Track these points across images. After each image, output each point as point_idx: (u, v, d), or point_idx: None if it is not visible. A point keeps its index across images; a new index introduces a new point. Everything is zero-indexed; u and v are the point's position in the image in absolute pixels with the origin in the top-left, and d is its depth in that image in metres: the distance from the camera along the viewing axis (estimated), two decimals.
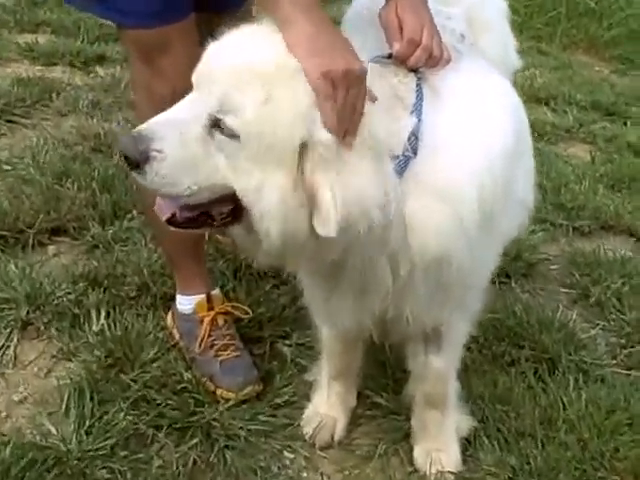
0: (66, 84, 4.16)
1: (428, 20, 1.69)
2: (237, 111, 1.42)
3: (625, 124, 4.97)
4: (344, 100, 1.43)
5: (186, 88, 1.99)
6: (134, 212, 2.97)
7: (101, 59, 4.56)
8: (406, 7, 1.68)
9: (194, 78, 1.53)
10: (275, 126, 1.42)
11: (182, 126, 1.47)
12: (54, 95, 3.96)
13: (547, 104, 5.09)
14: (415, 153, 1.52)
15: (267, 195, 1.43)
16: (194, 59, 2.05)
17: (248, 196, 1.45)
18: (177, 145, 1.46)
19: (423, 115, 1.55)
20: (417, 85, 1.60)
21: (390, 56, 1.64)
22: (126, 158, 1.47)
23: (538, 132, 4.35)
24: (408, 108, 1.56)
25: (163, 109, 2.03)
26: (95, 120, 3.75)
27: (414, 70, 1.63)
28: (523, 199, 1.89)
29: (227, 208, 1.52)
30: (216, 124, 1.45)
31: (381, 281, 1.65)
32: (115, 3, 1.95)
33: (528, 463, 2.06)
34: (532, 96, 5.07)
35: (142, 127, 1.49)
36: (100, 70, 4.44)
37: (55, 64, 4.42)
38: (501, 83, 1.82)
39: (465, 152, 1.57)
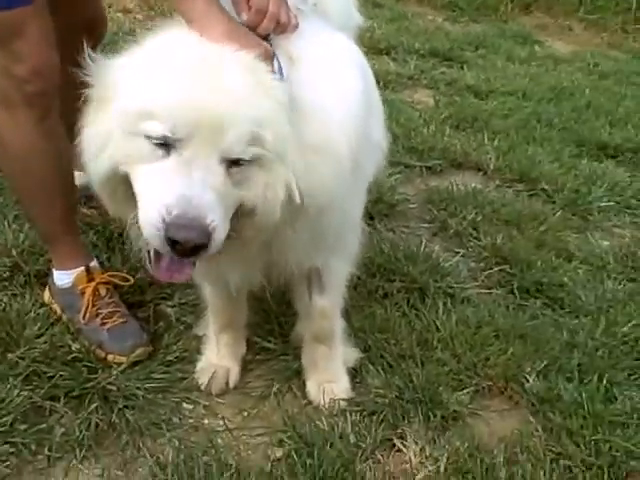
0: None
1: None
2: (257, 141, 1.47)
3: (462, 68, 5.27)
4: None
5: (44, 66, 1.99)
6: None
7: None
8: None
9: (175, 129, 1.44)
10: (281, 131, 1.50)
11: (211, 185, 1.44)
12: None
13: (388, 54, 5.30)
14: None
15: (277, 191, 1.53)
16: (49, 38, 2.04)
17: (258, 202, 1.53)
18: (219, 204, 1.45)
19: (285, 80, 1.63)
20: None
21: None
22: (195, 248, 1.44)
23: (383, 81, 4.54)
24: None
25: (23, 89, 2.02)
26: None
27: (264, 38, 1.69)
28: (379, 143, 2.05)
29: None
30: (232, 164, 1.47)
31: (281, 236, 1.73)
32: None
33: (411, 381, 2.22)
34: (373, 47, 5.26)
35: (179, 210, 1.41)
36: None
37: None
38: (344, 41, 1.93)
39: (329, 110, 1.67)
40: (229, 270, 1.88)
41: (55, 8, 2.06)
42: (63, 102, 2.16)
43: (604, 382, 2.30)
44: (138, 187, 1.50)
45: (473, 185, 3.53)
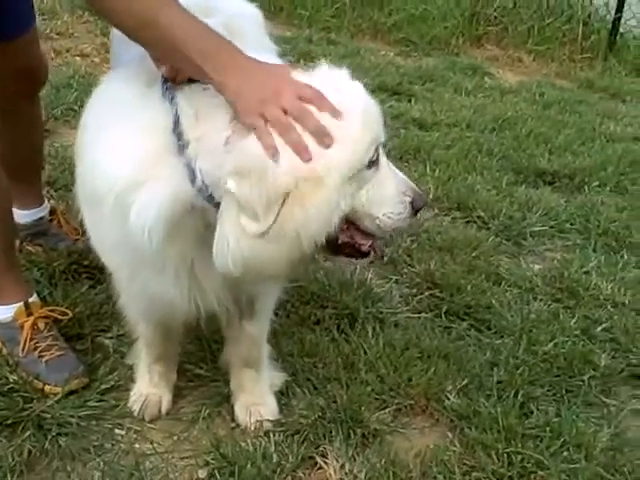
0: None
1: None
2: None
3: (410, 101, 5.43)
4: None
5: None
6: None
7: None
8: None
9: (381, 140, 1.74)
10: None
11: None
12: None
13: None
14: None
15: None
16: None
17: None
18: None
19: None
20: None
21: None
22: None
23: None
24: None
25: None
26: None
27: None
28: None
29: None
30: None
31: None
32: None
33: (335, 402, 2.34)
34: None
35: (412, 190, 1.77)
36: None
37: None
38: None
39: None
40: (213, 292, 1.92)
41: None
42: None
43: (519, 397, 2.44)
44: (365, 204, 1.71)
45: None
